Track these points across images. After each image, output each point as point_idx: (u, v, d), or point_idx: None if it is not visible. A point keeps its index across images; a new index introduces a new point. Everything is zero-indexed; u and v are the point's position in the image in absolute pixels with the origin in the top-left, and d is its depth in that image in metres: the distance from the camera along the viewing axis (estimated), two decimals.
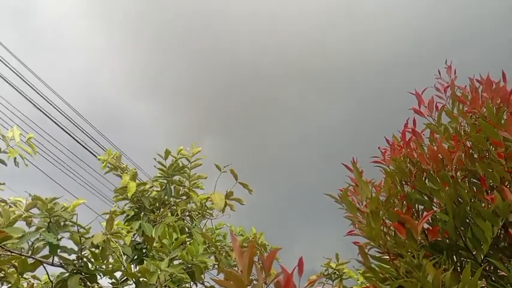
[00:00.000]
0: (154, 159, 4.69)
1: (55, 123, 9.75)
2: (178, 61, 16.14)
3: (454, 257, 2.24)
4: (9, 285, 3.82)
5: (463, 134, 2.29)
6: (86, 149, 10.03)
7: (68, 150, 10.27)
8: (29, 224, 4.00)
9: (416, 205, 2.35)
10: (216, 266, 4.43)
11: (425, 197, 2.31)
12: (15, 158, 3.78)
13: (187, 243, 4.41)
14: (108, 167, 4.88)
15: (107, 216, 4.12)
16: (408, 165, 2.34)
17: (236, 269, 1.81)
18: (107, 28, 16.07)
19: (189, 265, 4.01)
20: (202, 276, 4.22)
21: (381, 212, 2.27)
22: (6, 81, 9.11)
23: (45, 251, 3.78)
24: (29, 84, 9.43)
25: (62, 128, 9.80)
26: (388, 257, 2.25)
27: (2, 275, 3.78)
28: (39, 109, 9.51)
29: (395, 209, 2.25)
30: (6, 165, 3.71)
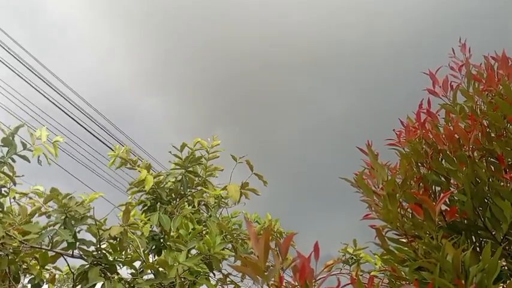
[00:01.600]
0: (170, 152, 4.71)
1: (71, 117, 9.87)
2: (187, 54, 16.16)
3: (473, 237, 2.22)
4: (32, 276, 3.90)
5: (479, 112, 2.25)
6: (102, 142, 10.14)
7: (84, 142, 10.40)
8: (48, 217, 4.07)
9: (433, 186, 2.33)
10: (233, 254, 4.45)
11: (442, 178, 2.28)
12: (38, 157, 3.85)
13: (204, 232, 4.44)
14: (118, 162, 4.90)
15: (123, 208, 4.17)
16: (424, 146, 2.32)
17: (253, 255, 1.82)
18: (116, 24, 16.17)
19: (207, 256, 4.04)
20: (220, 265, 4.25)
21: (398, 194, 2.25)
22: (22, 78, 9.24)
23: (65, 244, 3.85)
24: (43, 80, 9.56)
25: (77, 122, 9.92)
26: (406, 239, 2.24)
27: (25, 267, 3.86)
28: (54, 104, 9.64)
29: (412, 190, 2.23)
30: (29, 162, 3.79)
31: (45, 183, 4.28)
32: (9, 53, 9.18)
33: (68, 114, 9.88)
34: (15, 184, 3.89)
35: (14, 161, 3.73)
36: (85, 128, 10.05)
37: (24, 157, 3.78)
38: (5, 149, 3.67)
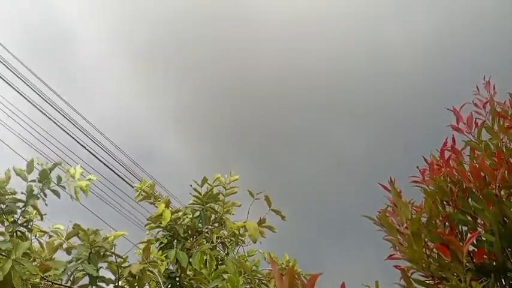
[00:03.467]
0: (190, 185, 4.71)
1: (92, 153, 10.03)
2: (209, 96, 16.51)
3: (503, 280, 2.13)
4: None
5: (505, 150, 2.21)
6: (122, 178, 10.24)
7: (104, 178, 10.51)
8: (69, 253, 4.06)
9: (460, 226, 2.26)
10: None
11: (469, 217, 2.21)
12: (71, 193, 3.92)
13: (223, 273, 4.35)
14: (142, 195, 4.94)
15: (142, 245, 4.13)
16: (449, 184, 2.26)
17: None
18: (139, 66, 16.68)
19: None
20: None
21: (423, 234, 2.19)
22: (46, 115, 9.49)
23: (84, 280, 3.81)
24: (67, 118, 9.80)
25: (97, 158, 10.07)
26: (432, 281, 2.16)
27: None
28: (76, 140, 9.83)
29: (438, 230, 2.16)
30: (59, 197, 3.84)
31: (61, 218, 4.30)
32: (36, 93, 9.51)
33: (89, 151, 10.07)
34: (42, 219, 3.92)
35: (45, 195, 3.78)
36: (105, 164, 10.19)
37: (55, 192, 3.83)
38: (39, 184, 3.73)
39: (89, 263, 3.68)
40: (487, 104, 2.40)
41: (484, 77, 2.47)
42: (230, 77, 16.09)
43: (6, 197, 3.70)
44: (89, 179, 4.00)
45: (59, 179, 3.81)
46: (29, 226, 3.94)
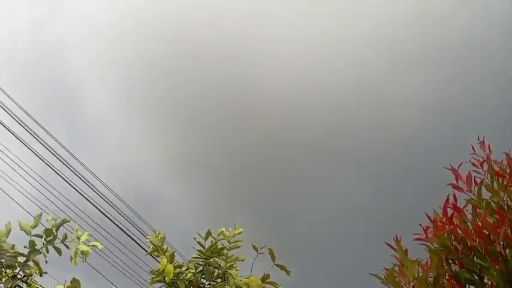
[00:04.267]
0: (194, 238, 4.68)
1: (96, 207, 10.01)
2: (211, 143, 16.69)
3: None
4: None
5: (506, 208, 2.27)
6: (123, 230, 10.14)
7: (106, 231, 10.42)
8: None
9: (467, 285, 2.28)
10: None
11: (475, 276, 2.24)
12: (71, 255, 3.92)
13: None
14: (152, 248, 4.87)
15: None
16: (453, 242, 2.31)
17: None
18: (142, 115, 16.96)
19: None
20: None
21: None
22: (48, 164, 9.54)
23: None
24: (72, 170, 9.84)
25: (102, 213, 10.04)
26: None
27: None
28: (80, 193, 9.83)
29: None
30: (60, 255, 3.84)
31: (61, 272, 4.26)
32: (43, 145, 9.61)
33: (96, 207, 10.03)
34: (41, 275, 3.88)
35: (47, 251, 3.77)
36: (107, 217, 10.12)
37: (58, 249, 3.83)
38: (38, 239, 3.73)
39: None
40: (484, 163, 2.49)
41: (478, 137, 2.57)
42: (235, 125, 16.33)
43: (6, 251, 3.69)
44: (93, 245, 3.99)
45: (65, 236, 3.81)
46: (28, 281, 3.91)
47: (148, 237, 4.77)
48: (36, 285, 4.10)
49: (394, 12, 14.84)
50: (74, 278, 4.01)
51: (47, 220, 3.78)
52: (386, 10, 14.90)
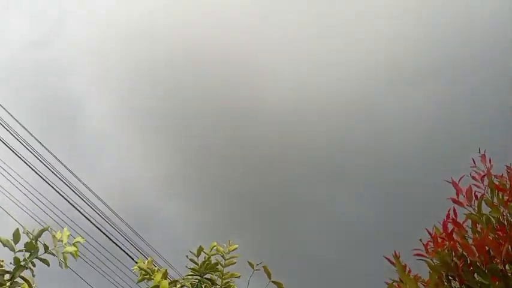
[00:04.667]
0: (187, 256, 4.61)
1: (97, 227, 9.95)
2: (209, 163, 16.69)
3: None
4: None
5: (506, 224, 2.22)
6: (118, 246, 10.04)
7: (100, 245, 10.33)
8: None
9: None
10: None
11: None
12: (60, 261, 3.83)
13: None
14: (142, 274, 4.75)
15: None
16: (454, 258, 2.26)
17: None
18: (140, 132, 17.00)
19: None
20: None
21: None
22: (45, 180, 9.50)
23: None
24: (68, 185, 9.81)
25: (98, 228, 9.97)
26: None
27: None
28: (81, 213, 9.79)
29: None
30: (49, 265, 3.74)
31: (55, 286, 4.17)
32: (39, 159, 9.59)
33: (93, 223, 9.96)
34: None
35: (34, 265, 3.68)
36: (103, 232, 10.03)
37: (44, 261, 3.74)
38: (27, 253, 3.65)
39: None
40: (485, 177, 2.45)
41: (479, 150, 2.54)
42: (233, 144, 16.36)
43: None
44: (77, 242, 3.91)
45: (46, 247, 3.72)
46: None
47: (134, 268, 4.62)
48: None
49: (393, 31, 15.01)
50: None
51: (24, 233, 3.69)
52: (387, 29, 15.07)
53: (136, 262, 4.57)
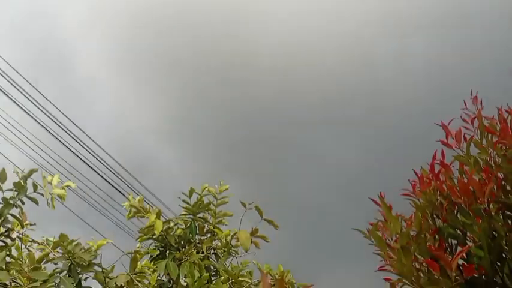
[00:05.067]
0: (179, 197, 4.69)
1: (90, 167, 10.05)
2: (205, 107, 16.64)
3: None
4: None
5: (493, 165, 2.23)
6: (114, 187, 10.23)
7: (100, 189, 10.52)
8: (55, 264, 4.03)
9: (450, 239, 2.27)
10: None
11: (459, 232, 2.23)
12: (47, 200, 3.88)
13: (213, 281, 4.34)
14: (133, 211, 4.87)
15: (132, 256, 4.11)
16: (439, 198, 2.29)
17: None
18: (137, 77, 16.80)
19: None
20: None
21: (412, 248, 2.20)
22: (45, 127, 9.51)
23: None
24: (65, 131, 9.83)
25: (95, 172, 10.10)
26: None
27: None
28: (74, 153, 9.84)
29: (428, 244, 2.18)
30: (38, 204, 3.80)
31: (57, 228, 4.27)
32: (31, 101, 9.52)
33: (82, 160, 10.05)
34: (23, 227, 3.87)
35: (23, 203, 3.74)
36: (98, 174, 10.17)
37: (33, 199, 3.80)
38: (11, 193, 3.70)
39: (69, 276, 3.65)
40: (475, 119, 2.43)
41: (471, 92, 2.51)
42: (228, 88, 16.23)
43: None
44: (67, 186, 3.95)
45: (35, 186, 3.77)
46: (11, 236, 3.90)
47: (124, 204, 4.73)
48: (28, 239, 4.11)
49: None
50: (61, 233, 4.00)
51: (16, 173, 3.72)
52: None
53: (128, 200, 4.66)
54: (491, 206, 2.16)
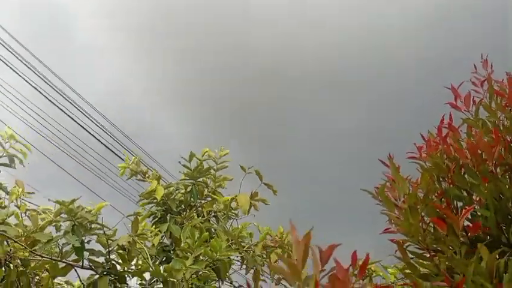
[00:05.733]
0: (179, 162, 4.71)
1: (87, 132, 10.00)
2: (203, 70, 16.46)
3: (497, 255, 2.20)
4: None
5: (502, 128, 2.26)
6: (113, 152, 10.22)
7: (99, 155, 10.51)
8: (58, 229, 4.05)
9: (455, 201, 2.32)
10: (244, 267, 4.41)
11: (465, 193, 2.27)
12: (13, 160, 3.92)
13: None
14: (129, 173, 4.91)
15: (133, 218, 4.15)
16: (446, 161, 2.31)
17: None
18: (137, 40, 16.51)
19: (214, 262, 4.01)
20: (228, 273, 4.21)
21: (419, 208, 2.24)
22: (42, 94, 9.38)
23: (75, 255, 3.82)
24: (63, 96, 9.73)
25: (94, 136, 10.06)
26: (427, 254, 2.22)
27: (37, 280, 3.82)
28: (72, 119, 9.78)
29: (435, 204, 2.22)
30: (10, 166, 3.85)
31: (58, 193, 4.27)
32: (27, 67, 9.36)
33: (82, 126, 10.00)
34: (7, 193, 3.88)
35: None
36: (98, 139, 10.13)
37: (5, 164, 3.84)
38: None
39: (73, 235, 3.68)
40: (485, 82, 2.44)
41: (482, 55, 2.50)
42: (226, 53, 16.03)
43: None
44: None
45: None
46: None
47: (119, 165, 4.74)
48: (26, 206, 4.11)
49: None
50: (57, 199, 4.01)
51: None
52: None
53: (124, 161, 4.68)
54: (498, 168, 2.19)
